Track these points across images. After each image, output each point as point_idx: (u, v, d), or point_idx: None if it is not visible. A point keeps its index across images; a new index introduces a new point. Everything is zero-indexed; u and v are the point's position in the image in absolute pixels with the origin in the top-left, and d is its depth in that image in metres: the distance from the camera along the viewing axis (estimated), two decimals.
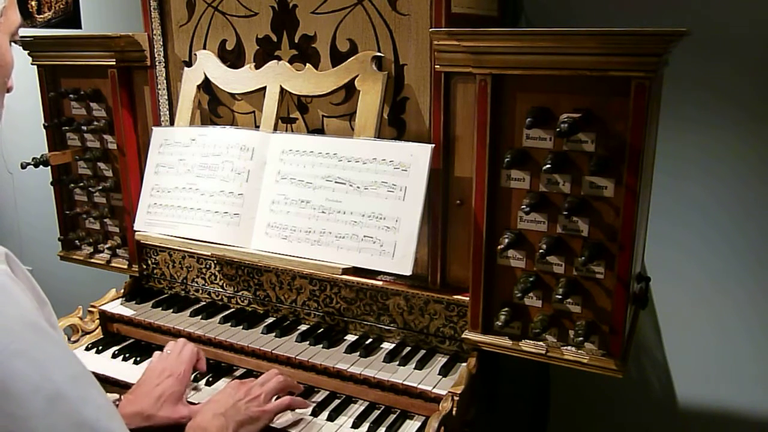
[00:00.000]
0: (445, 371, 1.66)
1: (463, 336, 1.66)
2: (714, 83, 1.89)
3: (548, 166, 1.42)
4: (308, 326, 1.91)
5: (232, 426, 1.40)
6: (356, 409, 1.65)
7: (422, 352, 1.75)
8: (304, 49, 1.80)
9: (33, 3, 3.12)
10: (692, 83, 1.89)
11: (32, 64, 2.18)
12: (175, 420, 1.50)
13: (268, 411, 1.50)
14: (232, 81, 1.88)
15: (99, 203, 2.21)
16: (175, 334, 1.93)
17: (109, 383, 1.80)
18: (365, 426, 1.57)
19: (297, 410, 1.59)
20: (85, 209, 2.24)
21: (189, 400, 1.66)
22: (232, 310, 2.03)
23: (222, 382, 1.76)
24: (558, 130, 1.38)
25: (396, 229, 1.59)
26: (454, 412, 1.51)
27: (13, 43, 1.05)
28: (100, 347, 1.98)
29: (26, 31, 3.10)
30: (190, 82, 1.94)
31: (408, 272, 1.57)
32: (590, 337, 1.52)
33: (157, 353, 1.73)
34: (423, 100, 1.67)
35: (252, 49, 1.87)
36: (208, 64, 1.91)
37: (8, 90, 1.06)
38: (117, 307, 2.10)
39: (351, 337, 1.84)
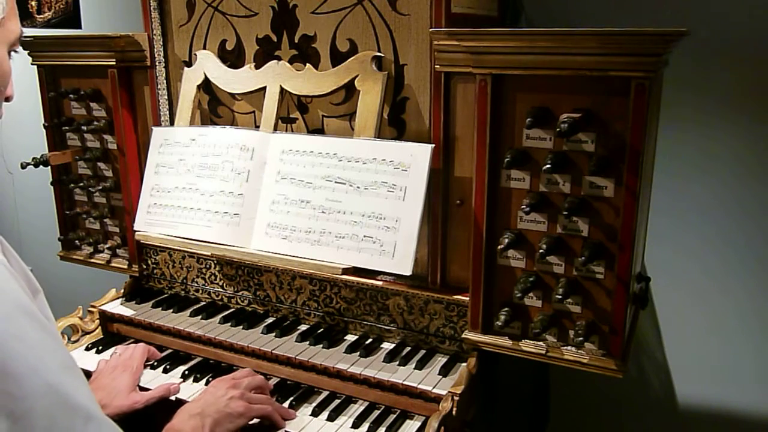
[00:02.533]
0: (445, 371, 1.66)
1: (463, 336, 1.66)
2: (714, 83, 1.89)
3: (548, 166, 1.42)
4: (308, 326, 1.91)
5: (208, 425, 1.39)
6: (356, 409, 1.65)
7: (422, 352, 1.75)
8: (304, 49, 1.80)
9: (33, 3, 3.12)
10: (692, 83, 1.89)
11: (32, 64, 2.18)
12: (128, 406, 1.59)
13: (251, 409, 1.50)
14: (232, 81, 1.88)
15: (99, 203, 2.21)
16: (175, 334, 1.94)
17: None
18: (365, 426, 1.57)
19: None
20: (85, 209, 2.24)
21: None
22: (232, 310, 2.03)
23: None
24: (558, 130, 1.38)
25: (396, 229, 1.59)
26: (454, 412, 1.51)
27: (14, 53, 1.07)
28: (100, 347, 1.98)
29: (26, 31, 3.10)
30: (190, 82, 1.94)
31: (408, 272, 1.57)
32: (590, 337, 1.52)
33: (114, 351, 1.85)
34: (423, 100, 1.67)
35: (252, 49, 1.87)
36: (208, 64, 1.91)
37: (7, 99, 1.09)
38: (117, 307, 2.09)
39: (351, 337, 1.84)
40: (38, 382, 0.84)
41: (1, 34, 1.01)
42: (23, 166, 2.08)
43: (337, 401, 1.67)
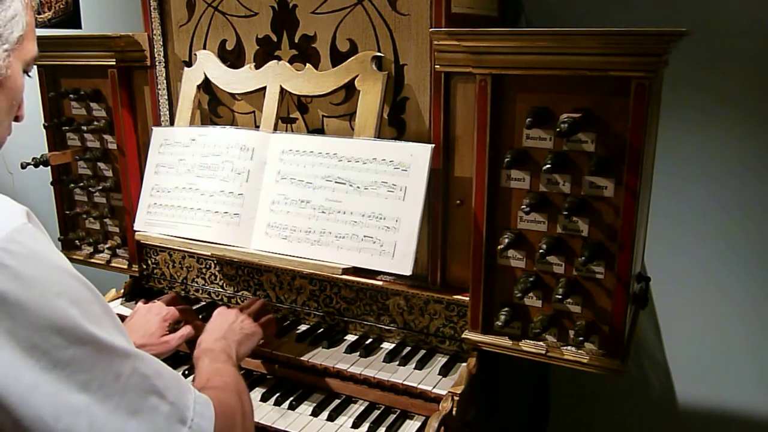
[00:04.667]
0: (445, 371, 1.66)
1: (463, 336, 1.66)
2: (714, 83, 1.89)
3: (548, 166, 1.42)
4: (308, 326, 1.91)
5: (233, 345, 1.53)
6: (356, 409, 1.65)
7: (422, 352, 1.75)
8: (304, 49, 1.80)
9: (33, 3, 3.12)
10: (692, 84, 1.89)
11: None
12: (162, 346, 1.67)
13: (261, 326, 1.67)
14: (232, 81, 1.88)
15: (99, 203, 2.21)
16: None
17: None
18: (365, 426, 1.57)
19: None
20: (85, 209, 2.24)
21: None
22: None
23: None
24: (558, 130, 1.38)
25: (396, 229, 1.59)
26: (454, 412, 1.51)
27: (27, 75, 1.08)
28: None
29: None
30: (190, 82, 1.94)
31: (408, 272, 1.57)
32: (590, 337, 1.52)
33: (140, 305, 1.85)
34: (423, 100, 1.67)
35: (252, 49, 1.87)
36: (208, 64, 1.91)
37: (17, 119, 1.11)
38: (117, 307, 2.09)
39: (351, 337, 1.84)
40: (80, 333, 0.89)
41: (19, 51, 1.03)
42: (23, 166, 2.08)
43: (337, 401, 1.67)
